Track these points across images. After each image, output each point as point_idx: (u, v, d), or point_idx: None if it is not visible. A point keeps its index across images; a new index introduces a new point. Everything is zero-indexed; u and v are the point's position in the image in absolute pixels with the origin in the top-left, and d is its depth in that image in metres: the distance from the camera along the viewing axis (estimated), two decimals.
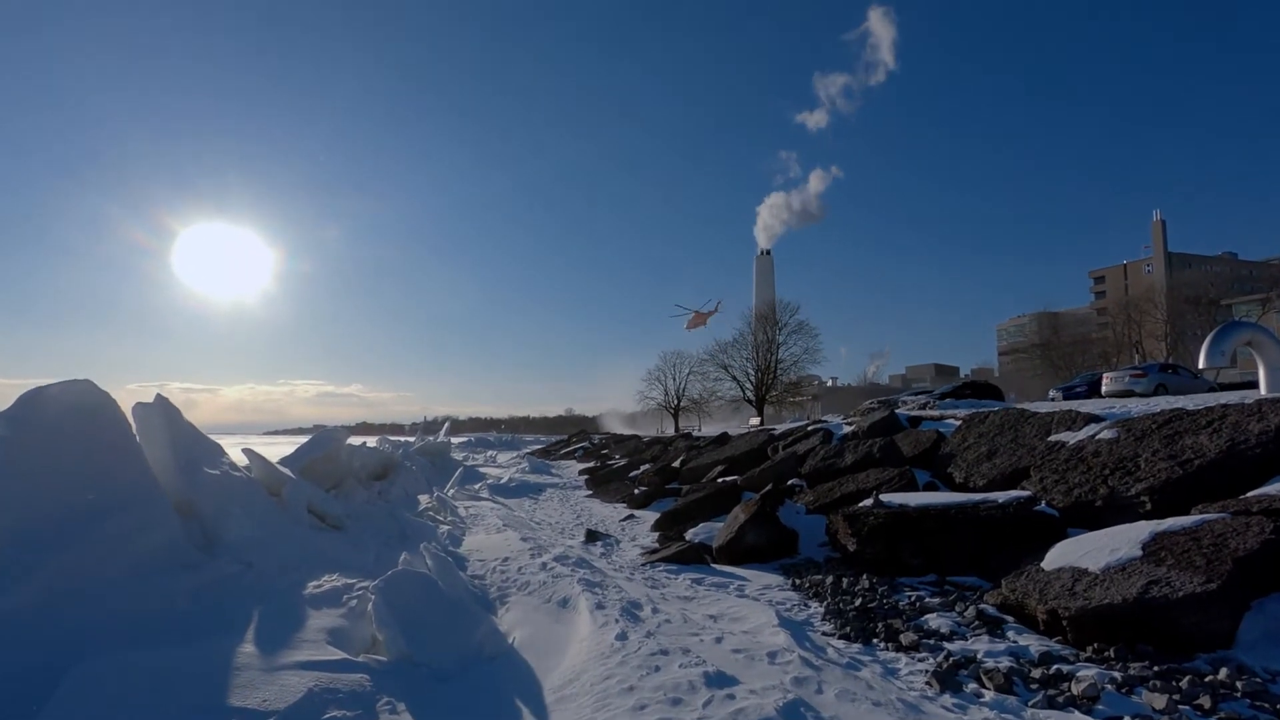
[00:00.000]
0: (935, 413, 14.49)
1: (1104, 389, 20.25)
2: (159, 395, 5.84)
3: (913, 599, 5.68)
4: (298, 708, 3.07)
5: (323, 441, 9.33)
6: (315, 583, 5.00)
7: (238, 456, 7.06)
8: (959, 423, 11.15)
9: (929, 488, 8.97)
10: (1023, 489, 7.32)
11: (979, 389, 24.06)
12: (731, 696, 3.25)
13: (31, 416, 4.53)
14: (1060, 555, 5.22)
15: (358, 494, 9.67)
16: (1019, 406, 12.82)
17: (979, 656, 4.34)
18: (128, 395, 5.25)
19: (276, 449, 8.27)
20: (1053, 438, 8.85)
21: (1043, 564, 5.24)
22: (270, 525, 5.98)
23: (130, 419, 5.34)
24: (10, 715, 2.85)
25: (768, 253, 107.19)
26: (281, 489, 7.14)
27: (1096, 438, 7.97)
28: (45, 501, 4.28)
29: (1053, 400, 22.29)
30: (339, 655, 3.75)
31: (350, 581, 5.11)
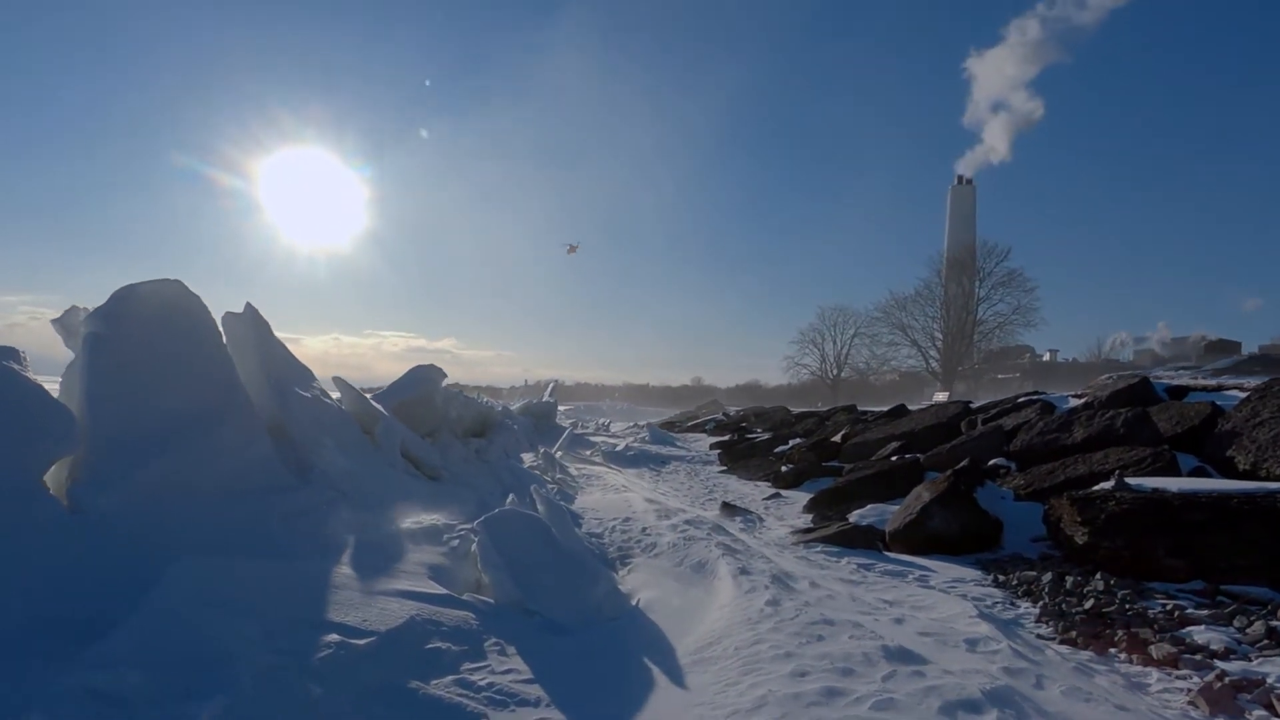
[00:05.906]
0: (1209, 382, 13.12)
1: None
2: (249, 305, 6.45)
3: (1169, 608, 5.26)
4: (399, 632, 3.34)
5: (418, 380, 9.95)
6: (414, 519, 5.40)
7: (327, 386, 7.73)
8: (1246, 394, 10.02)
9: (1196, 474, 8.17)
10: None
11: (1273, 367, 21.48)
12: (920, 674, 3.15)
13: (126, 314, 5.17)
14: None
15: (454, 448, 10.21)
16: None
17: (1269, 681, 3.94)
18: None
19: None
20: None
21: None
22: (364, 461, 6.52)
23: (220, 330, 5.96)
24: (110, 605, 3.31)
25: (968, 181, 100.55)
26: (375, 426, 7.74)
27: None
28: (141, 406, 4.89)
29: None
30: (442, 590, 4.05)
31: (451, 522, 5.48)
